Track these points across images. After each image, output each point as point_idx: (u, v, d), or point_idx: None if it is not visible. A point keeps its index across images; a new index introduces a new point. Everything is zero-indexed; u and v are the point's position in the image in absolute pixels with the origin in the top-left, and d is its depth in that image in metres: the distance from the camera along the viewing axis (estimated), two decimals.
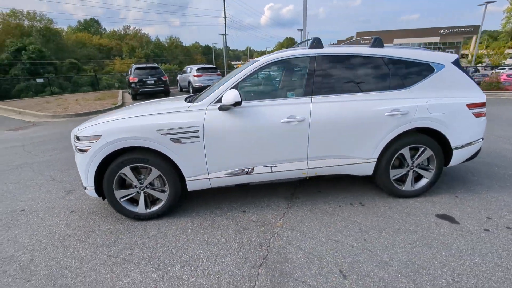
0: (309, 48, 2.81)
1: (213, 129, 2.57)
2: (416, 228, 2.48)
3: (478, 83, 15.03)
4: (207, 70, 14.86)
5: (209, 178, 2.71)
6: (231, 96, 2.47)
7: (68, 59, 35.18)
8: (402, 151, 2.85)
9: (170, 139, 2.53)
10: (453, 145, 2.88)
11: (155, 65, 14.27)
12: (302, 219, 2.70)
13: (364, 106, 2.72)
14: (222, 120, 2.59)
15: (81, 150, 2.56)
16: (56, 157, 4.98)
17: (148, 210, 2.75)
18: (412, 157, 2.91)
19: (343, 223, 2.61)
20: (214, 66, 17.19)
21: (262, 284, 1.91)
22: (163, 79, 13.48)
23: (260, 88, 3.39)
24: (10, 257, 2.28)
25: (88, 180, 2.60)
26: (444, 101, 2.80)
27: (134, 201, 2.77)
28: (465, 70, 2.97)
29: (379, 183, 3.01)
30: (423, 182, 3.02)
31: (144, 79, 13.00)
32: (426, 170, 2.99)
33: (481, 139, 3.03)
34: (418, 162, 2.94)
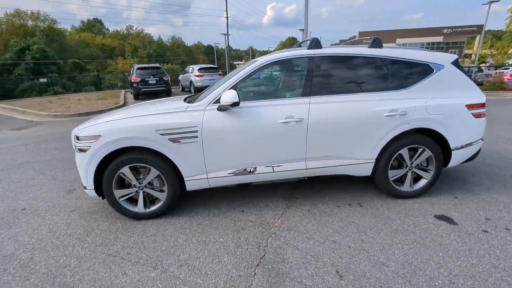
0: (307, 49, 2.82)
1: (212, 130, 2.59)
2: (414, 229, 2.48)
3: (482, 83, 14.99)
4: (208, 70, 14.89)
5: (207, 178, 2.72)
6: (229, 96, 2.48)
7: (71, 59, 35.36)
8: (401, 151, 2.85)
9: (169, 139, 2.55)
10: (452, 145, 2.88)
11: (157, 65, 14.33)
12: (300, 219, 2.70)
13: (363, 106, 2.72)
14: (220, 120, 2.60)
15: (81, 150, 2.58)
16: (58, 157, 5.02)
17: (147, 210, 2.77)
18: (411, 157, 2.91)
19: (341, 223, 2.61)
20: (215, 66, 17.23)
21: (259, 284, 1.92)
22: (165, 79, 13.53)
23: (258, 88, 3.40)
24: (10, 255, 2.31)
25: (87, 180, 2.62)
26: (443, 101, 2.79)
27: (133, 200, 2.79)
28: (464, 70, 2.96)
29: (378, 183, 3.01)
30: (422, 182, 3.01)
31: (146, 79, 13.06)
32: (425, 170, 2.98)
33: (480, 140, 3.02)
34: (417, 162, 2.93)
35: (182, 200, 3.15)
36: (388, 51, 2.84)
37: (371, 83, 2.80)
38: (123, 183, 2.74)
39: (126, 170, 2.62)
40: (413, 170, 2.96)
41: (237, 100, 2.48)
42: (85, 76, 29.31)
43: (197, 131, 2.57)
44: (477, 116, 2.89)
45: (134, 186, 2.71)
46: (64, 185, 3.72)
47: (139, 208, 2.75)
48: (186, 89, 16.59)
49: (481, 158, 4.13)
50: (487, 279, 1.90)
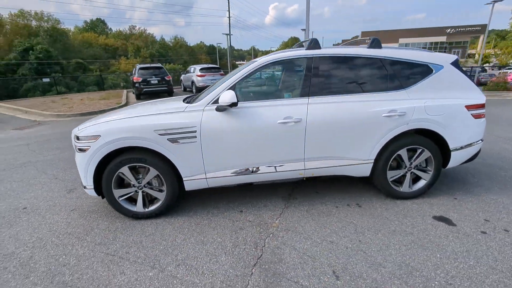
0: (306, 49, 2.82)
1: (210, 130, 2.60)
2: (412, 230, 2.47)
3: (485, 83, 14.87)
4: (210, 70, 14.92)
5: (206, 178, 2.73)
6: (227, 97, 2.49)
7: (74, 59, 35.63)
8: (399, 152, 2.84)
9: (167, 139, 2.56)
10: (451, 146, 2.87)
11: (159, 65, 14.39)
12: (298, 220, 2.71)
13: (361, 107, 2.72)
14: (219, 120, 2.62)
15: (80, 150, 2.61)
16: (59, 156, 5.06)
17: (146, 209, 2.79)
18: (409, 158, 2.90)
19: (339, 224, 2.61)
20: (217, 66, 17.25)
21: (255, 284, 1.93)
22: (167, 79, 13.58)
23: (257, 88, 3.41)
24: (10, 254, 2.34)
25: (87, 179, 2.65)
26: (442, 102, 2.78)
27: (132, 200, 2.81)
28: (464, 71, 2.95)
29: (376, 184, 3.01)
30: (421, 183, 3.00)
31: (148, 79, 13.12)
32: (424, 171, 2.98)
33: (480, 141, 3.01)
34: (416, 163, 2.92)
35: (181, 200, 3.17)
36: (387, 52, 2.83)
37: (370, 84, 2.79)
38: (122, 183, 2.76)
39: (125, 170, 2.64)
40: (412, 170, 2.95)
41: (235, 100, 2.49)
42: (88, 76, 29.52)
43: (195, 132, 2.58)
44: (477, 116, 2.87)
45: (133, 185, 2.73)
46: (65, 185, 3.75)
47: (138, 207, 2.77)
48: (188, 89, 16.64)
49: (481, 159, 4.11)
50: (484, 280, 1.89)
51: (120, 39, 54.53)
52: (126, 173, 2.66)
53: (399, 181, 3.01)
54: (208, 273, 2.05)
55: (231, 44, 34.55)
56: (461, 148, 2.91)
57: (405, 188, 2.98)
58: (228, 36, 33.39)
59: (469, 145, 2.94)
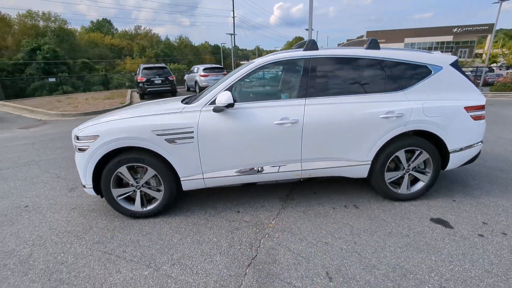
0: (304, 50, 2.82)
1: (207, 130, 2.62)
2: (408, 232, 2.46)
3: (492, 84, 14.64)
4: (213, 70, 14.97)
5: (203, 178, 2.76)
6: (224, 98, 2.51)
7: (80, 59, 36.04)
8: (397, 153, 2.83)
9: (165, 139, 2.59)
10: (450, 148, 2.84)
11: (163, 65, 14.48)
12: (294, 221, 2.71)
13: (359, 108, 2.71)
14: (216, 121, 2.63)
15: (80, 149, 2.65)
16: (63, 155, 5.14)
17: (144, 209, 2.82)
18: (408, 160, 2.89)
19: (335, 225, 2.61)
20: (220, 66, 17.30)
21: (248, 284, 1.94)
22: (170, 78, 13.67)
23: (254, 89, 3.42)
24: (11, 251, 2.39)
25: (86, 179, 2.69)
26: (441, 103, 2.76)
27: (130, 199, 2.84)
28: (464, 72, 2.92)
29: (374, 185, 3.00)
30: (419, 185, 2.98)
31: (152, 79, 13.22)
32: (423, 173, 2.96)
33: (480, 143, 2.97)
34: (414, 165, 2.90)
35: (178, 199, 3.19)
36: (385, 53, 2.82)
37: (367, 85, 2.78)
38: (121, 182, 2.79)
39: (123, 170, 2.67)
40: (410, 172, 2.93)
41: (231, 101, 2.51)
42: (94, 76, 29.81)
43: (193, 132, 2.60)
44: (476, 118, 2.84)
45: (132, 185, 2.76)
46: (67, 183, 3.81)
47: (137, 207, 2.80)
48: (191, 89, 16.71)
49: (482, 160, 4.06)
50: (479, 284, 1.88)
51: (125, 39, 54.96)
52: (124, 173, 2.69)
53: (397, 182, 2.99)
54: (202, 272, 2.07)
55: (236, 43, 34.62)
56: (460, 150, 2.89)
57: (403, 189, 2.96)
58: (233, 36, 33.45)
59: (469, 146, 2.91)
